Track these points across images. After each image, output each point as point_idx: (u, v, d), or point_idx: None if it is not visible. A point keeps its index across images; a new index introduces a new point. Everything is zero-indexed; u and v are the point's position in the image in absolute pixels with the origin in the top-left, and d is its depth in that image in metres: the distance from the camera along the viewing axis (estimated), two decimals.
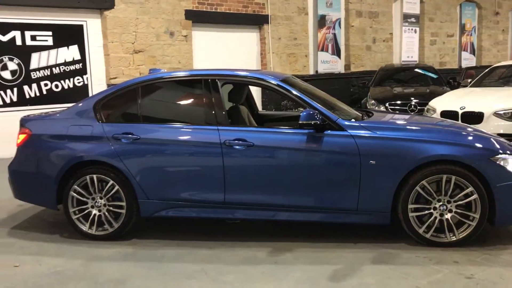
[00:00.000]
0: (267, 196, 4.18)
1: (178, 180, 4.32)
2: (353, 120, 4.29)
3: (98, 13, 9.33)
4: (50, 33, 8.81)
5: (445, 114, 7.49)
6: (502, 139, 4.33)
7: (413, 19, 15.06)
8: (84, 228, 4.47)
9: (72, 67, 9.11)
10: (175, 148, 4.33)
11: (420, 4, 15.18)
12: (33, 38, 8.66)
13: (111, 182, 4.38)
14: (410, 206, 4.00)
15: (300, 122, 4.03)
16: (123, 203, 4.39)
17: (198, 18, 10.52)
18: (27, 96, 8.68)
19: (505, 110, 7.12)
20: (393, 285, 3.38)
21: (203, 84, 4.44)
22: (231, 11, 10.99)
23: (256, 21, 11.51)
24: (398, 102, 9.70)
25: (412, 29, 15.11)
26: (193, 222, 4.80)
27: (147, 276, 3.68)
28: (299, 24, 12.29)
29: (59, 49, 8.95)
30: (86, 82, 9.29)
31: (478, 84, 8.87)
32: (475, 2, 17.10)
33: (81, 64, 9.21)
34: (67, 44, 9.02)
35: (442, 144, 3.97)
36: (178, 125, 4.42)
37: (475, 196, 3.90)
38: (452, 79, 11.41)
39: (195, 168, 4.30)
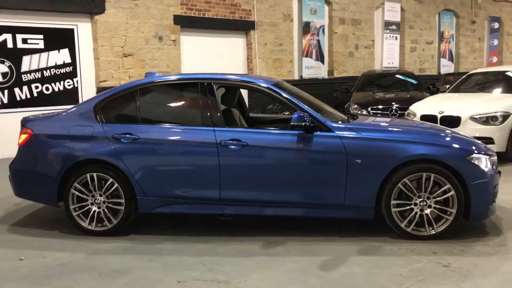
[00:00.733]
0: (261, 193, 4.45)
1: (175, 178, 4.57)
2: (340, 122, 4.59)
3: (89, 17, 9.50)
4: (41, 36, 8.96)
5: (425, 118, 7.86)
6: (476, 141, 4.68)
7: (394, 27, 15.53)
8: (84, 224, 4.67)
9: (62, 70, 9.26)
10: (172, 147, 4.57)
11: (401, 12, 15.67)
12: (24, 41, 8.80)
13: (111, 180, 4.60)
14: (393, 202, 4.31)
15: (292, 123, 4.32)
16: (122, 200, 4.61)
17: (186, 23, 10.76)
18: (18, 99, 8.80)
19: (480, 114, 7.53)
20: (378, 273, 3.68)
21: (199, 87, 4.70)
22: (219, 17, 11.26)
23: (243, 27, 11.79)
24: (380, 106, 10.08)
25: (393, 36, 15.58)
26: (189, 219, 5.04)
27: (148, 267, 3.91)
28: (285, 31, 12.62)
29: (50, 52, 9.10)
30: (76, 85, 9.45)
31: (455, 90, 9.30)
32: (453, 11, 17.68)
33: (71, 67, 9.37)
34: (58, 48, 9.18)
35: (422, 144, 4.29)
36: (175, 126, 4.67)
37: (452, 192, 4.23)
38: (431, 85, 11.86)
39: (192, 167, 4.55)
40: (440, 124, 7.55)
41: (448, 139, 4.48)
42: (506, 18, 20.06)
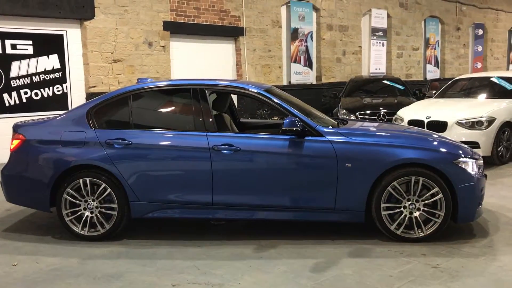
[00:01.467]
0: (253, 197, 4.52)
1: (168, 183, 4.61)
2: (330, 127, 4.68)
3: (78, 23, 9.51)
4: (30, 42, 8.94)
5: (412, 122, 8.00)
6: (463, 145, 4.80)
7: (380, 33, 15.74)
8: (77, 229, 4.68)
9: (52, 76, 9.25)
10: (165, 152, 4.62)
11: (387, 19, 15.89)
12: (13, 46, 8.78)
13: (104, 185, 4.63)
14: (383, 205, 4.40)
15: (283, 128, 4.39)
16: (115, 205, 4.64)
17: (176, 29, 10.81)
18: (7, 104, 8.76)
19: (466, 119, 7.68)
20: (369, 275, 3.75)
21: (192, 93, 4.76)
22: (208, 23, 11.33)
23: (232, 33, 11.88)
24: (368, 111, 10.22)
25: (380, 43, 15.78)
26: (182, 223, 5.08)
27: (142, 271, 3.95)
28: (273, 37, 12.73)
29: (39, 58, 9.08)
30: (65, 91, 9.44)
31: (442, 95, 9.47)
32: (438, 18, 17.97)
33: (60, 73, 9.36)
34: (47, 53, 9.17)
35: (411, 148, 4.40)
36: (168, 131, 4.72)
37: (440, 195, 4.33)
38: (418, 90, 12.04)
39: (185, 172, 4.60)
40: (427, 129, 7.68)
41: (435, 143, 4.59)
42: (489, 25, 20.44)
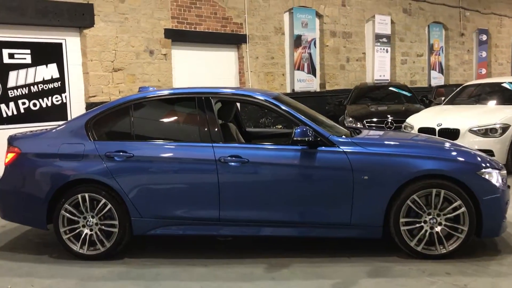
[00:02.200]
0: (262, 212, 4.24)
1: (172, 197, 4.33)
2: (343, 136, 4.40)
3: (78, 31, 9.28)
4: (28, 51, 8.69)
5: (423, 130, 7.73)
6: (484, 154, 4.52)
7: (384, 39, 15.51)
8: (75, 248, 4.40)
9: (50, 86, 8.99)
10: (168, 165, 4.35)
11: (391, 25, 15.67)
12: (11, 56, 8.53)
13: (104, 200, 4.36)
14: (402, 220, 4.12)
15: (294, 138, 4.11)
16: (116, 222, 4.36)
17: (177, 37, 10.58)
18: (4, 115, 8.49)
19: (479, 127, 7.41)
20: None
21: (197, 101, 4.49)
22: (210, 30, 11.10)
23: (234, 40, 11.65)
24: (375, 119, 9.94)
25: (383, 49, 15.55)
26: (186, 240, 4.79)
27: None
28: (276, 44, 12.50)
29: (38, 67, 8.83)
30: (64, 101, 9.18)
31: (451, 102, 9.21)
32: (442, 24, 17.75)
33: (59, 82, 9.10)
34: (46, 62, 8.91)
35: (432, 159, 4.12)
36: (171, 142, 4.45)
37: (463, 209, 4.05)
38: (424, 97, 11.79)
39: (189, 186, 4.32)
40: (439, 136, 7.42)
41: (457, 153, 4.31)
42: (493, 30, 20.22)
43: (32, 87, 8.77)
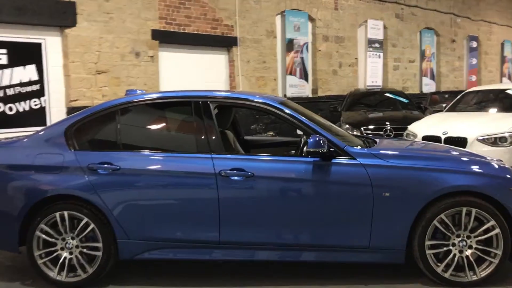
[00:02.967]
0: (271, 234, 3.71)
1: (164, 217, 3.78)
2: (359, 147, 3.91)
3: (58, 30, 8.66)
4: (5, 51, 8.04)
5: (427, 139, 7.30)
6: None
7: (377, 44, 15.16)
8: (52, 274, 3.83)
9: (28, 88, 8.35)
10: (161, 179, 3.80)
11: (384, 30, 15.33)
12: None
13: (85, 219, 3.79)
14: (427, 242, 3.63)
15: (308, 149, 3.59)
16: (99, 244, 3.80)
17: (165, 38, 10.02)
18: None
19: (488, 135, 7.00)
20: None
21: (193, 106, 3.96)
22: (200, 32, 10.57)
23: (225, 43, 11.13)
24: (372, 126, 9.49)
25: (376, 54, 15.19)
26: (181, 264, 4.23)
27: None
28: (268, 48, 12.02)
29: (15, 68, 8.18)
30: (43, 105, 8.54)
31: (453, 109, 8.81)
32: (433, 30, 17.50)
33: (38, 85, 8.46)
34: (24, 64, 8.26)
35: (463, 173, 3.65)
36: (164, 153, 3.90)
37: (497, 230, 3.58)
38: (418, 103, 11.41)
39: (185, 203, 3.78)
40: None
41: (490, 167, 3.84)
42: (483, 38, 20.07)
43: (8, 89, 8.12)
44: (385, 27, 15.42)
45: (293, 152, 4.97)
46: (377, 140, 4.39)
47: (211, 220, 3.71)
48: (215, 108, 4.00)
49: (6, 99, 8.12)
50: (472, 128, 7.24)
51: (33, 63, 8.36)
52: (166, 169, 3.81)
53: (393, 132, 9.18)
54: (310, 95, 13.26)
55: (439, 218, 3.61)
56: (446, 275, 3.64)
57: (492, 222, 3.58)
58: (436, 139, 7.23)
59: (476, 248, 3.64)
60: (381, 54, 15.37)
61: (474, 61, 19.61)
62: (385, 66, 15.60)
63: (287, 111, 3.91)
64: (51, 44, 8.57)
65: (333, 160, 3.69)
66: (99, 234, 3.79)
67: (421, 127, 7.80)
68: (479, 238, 3.63)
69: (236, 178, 3.69)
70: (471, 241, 3.64)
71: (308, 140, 3.61)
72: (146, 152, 3.89)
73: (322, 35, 13.50)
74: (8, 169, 3.91)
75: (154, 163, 3.84)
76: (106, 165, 3.81)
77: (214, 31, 10.85)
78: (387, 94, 11.69)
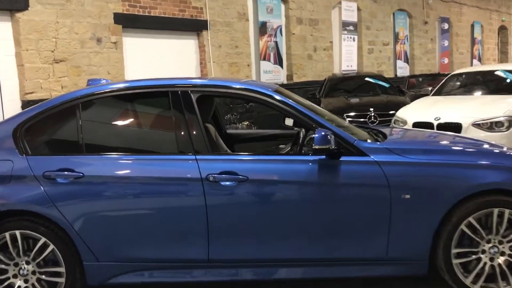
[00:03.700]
0: (268, 249, 3.11)
1: (140, 232, 3.13)
2: (369, 141, 3.32)
3: (8, 15, 7.73)
4: None
5: (418, 125, 6.84)
6: None
7: (351, 27, 14.67)
8: None
9: None
10: (134, 188, 3.14)
11: (357, 12, 14.85)
12: None
13: (43, 239, 3.11)
14: (454, 251, 3.10)
15: (315, 147, 2.98)
16: (61, 269, 3.13)
17: (129, 22, 9.19)
18: None
19: (483, 120, 6.57)
20: None
21: (171, 97, 3.28)
22: (167, 15, 9.78)
23: (194, 26, 10.38)
24: (353, 113, 8.96)
25: (350, 37, 14.71)
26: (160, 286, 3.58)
27: None
28: (240, 31, 11.33)
29: None
30: None
31: (439, 93, 8.37)
32: (406, 11, 17.15)
33: None
34: None
35: (494, 168, 3.12)
36: (137, 155, 3.23)
37: None
38: (397, 87, 10.98)
39: (165, 215, 3.12)
40: None
41: None
42: (454, 19, 19.90)
43: None
44: (359, 9, 14.94)
45: (283, 146, 4.38)
46: (385, 131, 3.82)
47: (198, 235, 3.08)
48: (197, 98, 3.33)
49: None
50: (466, 113, 6.81)
51: None
52: (140, 175, 3.14)
53: (378, 119, 8.69)
54: (285, 82, 12.67)
55: (467, 221, 3.08)
56: (476, 287, 3.12)
57: None
58: (428, 125, 6.78)
59: (509, 255, 3.13)
60: (356, 37, 14.91)
61: (446, 43, 19.42)
62: (359, 50, 15.16)
63: (289, 102, 3.28)
64: (0, 31, 7.66)
65: (342, 158, 3.10)
66: (61, 257, 3.11)
67: (410, 113, 7.32)
68: None
69: (227, 183, 3.05)
70: (503, 247, 3.13)
71: (315, 135, 2.99)
72: (115, 155, 3.21)
73: (296, 18, 12.89)
74: None
75: (125, 168, 3.17)
76: (66, 173, 3.11)
77: (182, 14, 10.08)
78: (367, 79, 11.19)
